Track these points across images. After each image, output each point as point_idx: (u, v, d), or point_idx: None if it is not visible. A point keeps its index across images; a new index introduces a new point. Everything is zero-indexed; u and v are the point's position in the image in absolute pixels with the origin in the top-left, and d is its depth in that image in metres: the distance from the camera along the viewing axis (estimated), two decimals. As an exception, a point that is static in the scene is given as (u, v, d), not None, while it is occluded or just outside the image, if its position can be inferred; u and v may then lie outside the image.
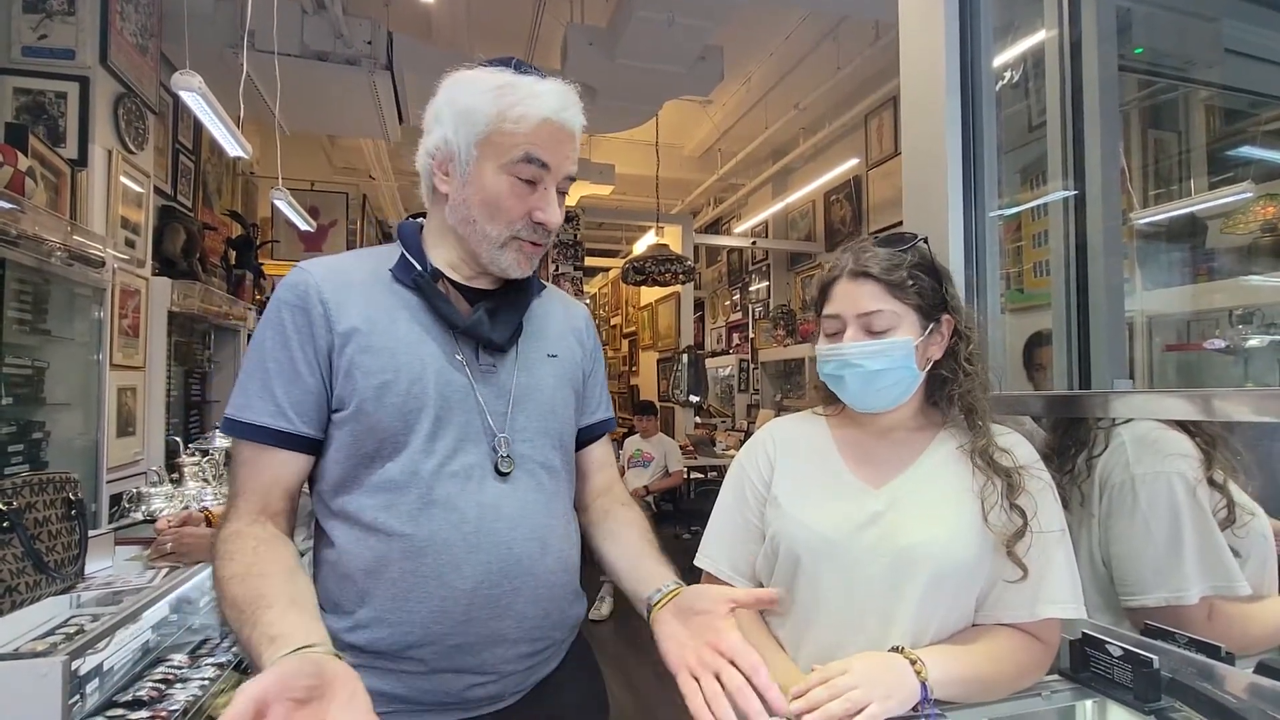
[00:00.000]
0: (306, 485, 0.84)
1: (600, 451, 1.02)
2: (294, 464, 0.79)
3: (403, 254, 0.85)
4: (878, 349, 0.85)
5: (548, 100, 0.79)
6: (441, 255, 0.86)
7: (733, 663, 0.65)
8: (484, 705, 0.79)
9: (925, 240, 0.92)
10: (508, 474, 0.81)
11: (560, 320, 0.96)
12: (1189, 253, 2.02)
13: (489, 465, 0.80)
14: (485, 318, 0.83)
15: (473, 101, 0.79)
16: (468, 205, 0.81)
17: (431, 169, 0.83)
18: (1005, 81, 1.30)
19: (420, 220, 0.91)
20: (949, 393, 0.90)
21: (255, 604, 0.64)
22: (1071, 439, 1.11)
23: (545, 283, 0.98)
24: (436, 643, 0.76)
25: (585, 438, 0.99)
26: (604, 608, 3.94)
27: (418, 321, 0.82)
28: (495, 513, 0.79)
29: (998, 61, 1.25)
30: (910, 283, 0.86)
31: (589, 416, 0.99)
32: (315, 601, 0.69)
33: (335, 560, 0.79)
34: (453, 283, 0.86)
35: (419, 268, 0.84)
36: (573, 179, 0.85)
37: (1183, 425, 1.02)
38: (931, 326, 0.88)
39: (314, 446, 0.80)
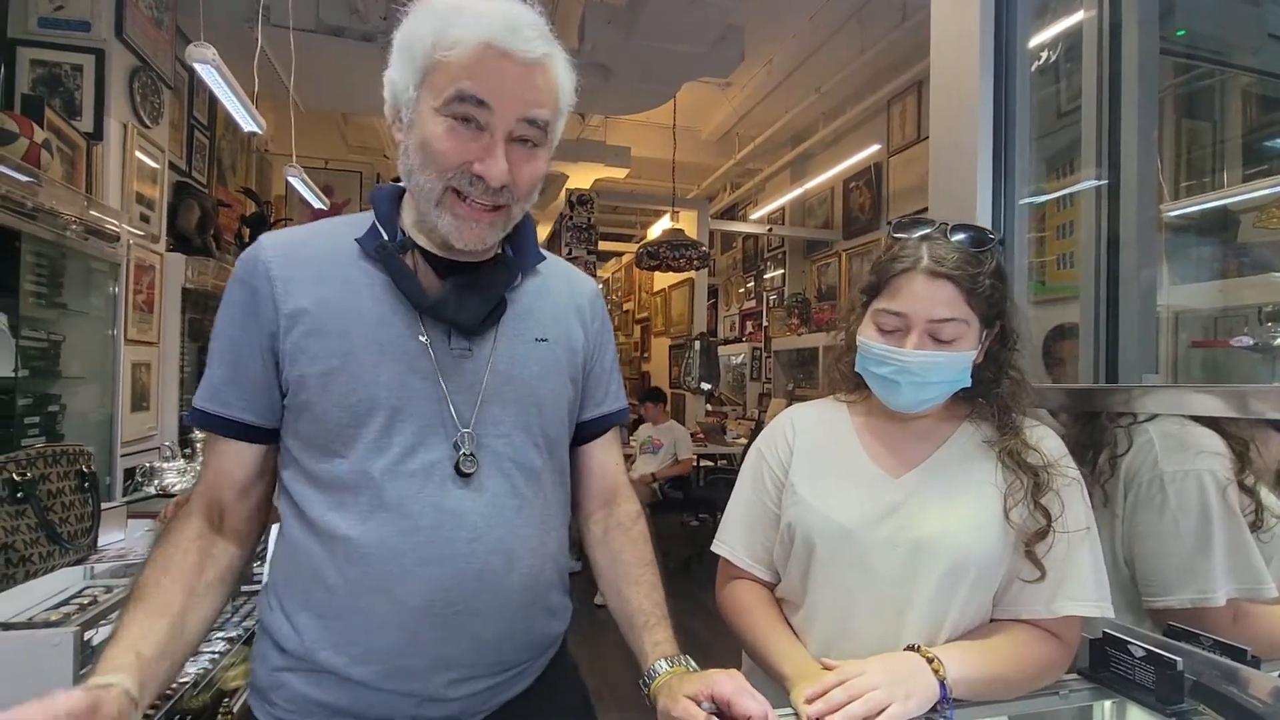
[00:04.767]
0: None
1: (604, 450, 0.90)
2: (239, 453, 0.73)
3: (373, 222, 0.76)
4: (942, 362, 0.81)
5: (489, 21, 0.64)
6: (412, 221, 0.76)
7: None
8: None
9: (1002, 242, 0.87)
10: (470, 474, 0.71)
11: (560, 299, 0.84)
12: (1219, 247, 1.96)
13: (451, 464, 0.71)
14: (452, 295, 0.73)
15: (413, 31, 0.67)
16: (408, 153, 0.70)
17: (391, 119, 0.72)
18: (1039, 62, 1.26)
19: (402, 185, 0.79)
20: (986, 394, 0.86)
21: (123, 610, 0.66)
22: (1093, 436, 1.08)
23: (546, 254, 0.86)
24: (379, 661, 0.69)
25: (589, 433, 0.89)
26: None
27: (381, 300, 0.72)
28: (456, 520, 0.70)
29: (1032, 43, 1.21)
30: (988, 291, 0.81)
31: (594, 408, 0.88)
32: (152, 626, 0.65)
33: (286, 555, 0.73)
34: (429, 255, 0.75)
35: (384, 236, 0.74)
36: (539, 125, 0.69)
37: (1214, 423, 0.98)
38: (986, 333, 0.84)
39: (263, 434, 0.73)
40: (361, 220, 0.78)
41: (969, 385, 0.84)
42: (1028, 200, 1.19)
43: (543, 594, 0.78)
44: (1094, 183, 1.20)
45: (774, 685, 0.82)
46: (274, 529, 0.79)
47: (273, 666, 0.72)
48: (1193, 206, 1.96)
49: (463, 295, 0.73)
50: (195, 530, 0.72)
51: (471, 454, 0.72)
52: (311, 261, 0.73)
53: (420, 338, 0.72)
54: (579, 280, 0.90)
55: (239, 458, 0.74)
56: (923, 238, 0.83)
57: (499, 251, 0.79)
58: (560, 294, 0.85)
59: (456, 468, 0.71)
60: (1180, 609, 0.94)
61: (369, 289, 0.73)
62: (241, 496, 0.75)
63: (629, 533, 0.88)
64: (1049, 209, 1.90)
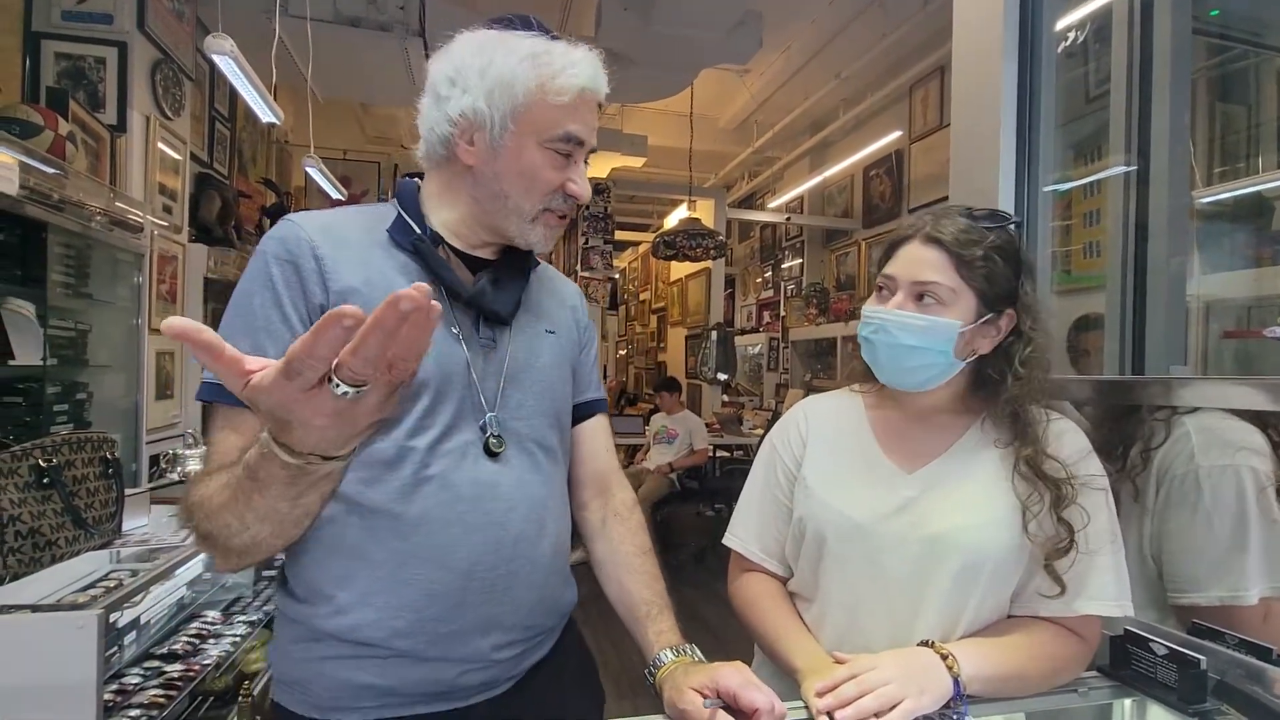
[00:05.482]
0: None
1: (592, 433, 0.95)
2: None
3: (400, 215, 0.80)
4: (917, 324, 0.80)
5: (584, 70, 0.76)
6: (443, 220, 0.81)
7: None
8: (476, 693, 0.76)
9: (1018, 224, 0.85)
10: (499, 454, 0.77)
11: (559, 298, 0.93)
12: (1253, 235, 1.90)
13: (480, 444, 0.77)
14: (489, 287, 0.79)
15: (510, 71, 0.74)
16: (499, 179, 0.77)
17: (452, 136, 0.77)
18: (1067, 43, 1.22)
19: (418, 181, 0.85)
20: (996, 393, 0.84)
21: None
22: (1123, 431, 1.05)
23: (538, 259, 0.93)
24: (426, 629, 0.72)
25: (576, 416, 0.94)
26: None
27: None
28: (493, 492, 0.76)
29: (1059, 25, 1.17)
30: (982, 264, 0.80)
31: (579, 395, 0.94)
32: None
33: (314, 539, 0.72)
34: (453, 249, 0.81)
35: (418, 231, 0.79)
36: (595, 150, 0.83)
37: (1258, 419, 0.95)
38: (989, 317, 0.81)
39: None
40: (384, 212, 0.82)
41: (955, 364, 0.82)
42: (1052, 188, 1.16)
43: (564, 561, 0.85)
44: (1123, 169, 1.17)
45: (785, 679, 0.81)
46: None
47: (310, 656, 0.72)
48: (1226, 193, 1.90)
49: (495, 288, 0.80)
50: None
51: (498, 435, 0.78)
52: (352, 244, 0.76)
53: (453, 328, 0.77)
54: (567, 283, 0.99)
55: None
56: (934, 213, 0.83)
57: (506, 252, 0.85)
58: (557, 294, 0.94)
59: (486, 448, 0.77)
60: (1208, 606, 0.92)
61: (405, 278, 0.76)
62: None
63: (626, 522, 0.92)
64: (1075, 196, 1.85)
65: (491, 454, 0.77)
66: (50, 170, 2.01)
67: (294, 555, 0.75)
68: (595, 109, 0.80)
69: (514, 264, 0.84)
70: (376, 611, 0.71)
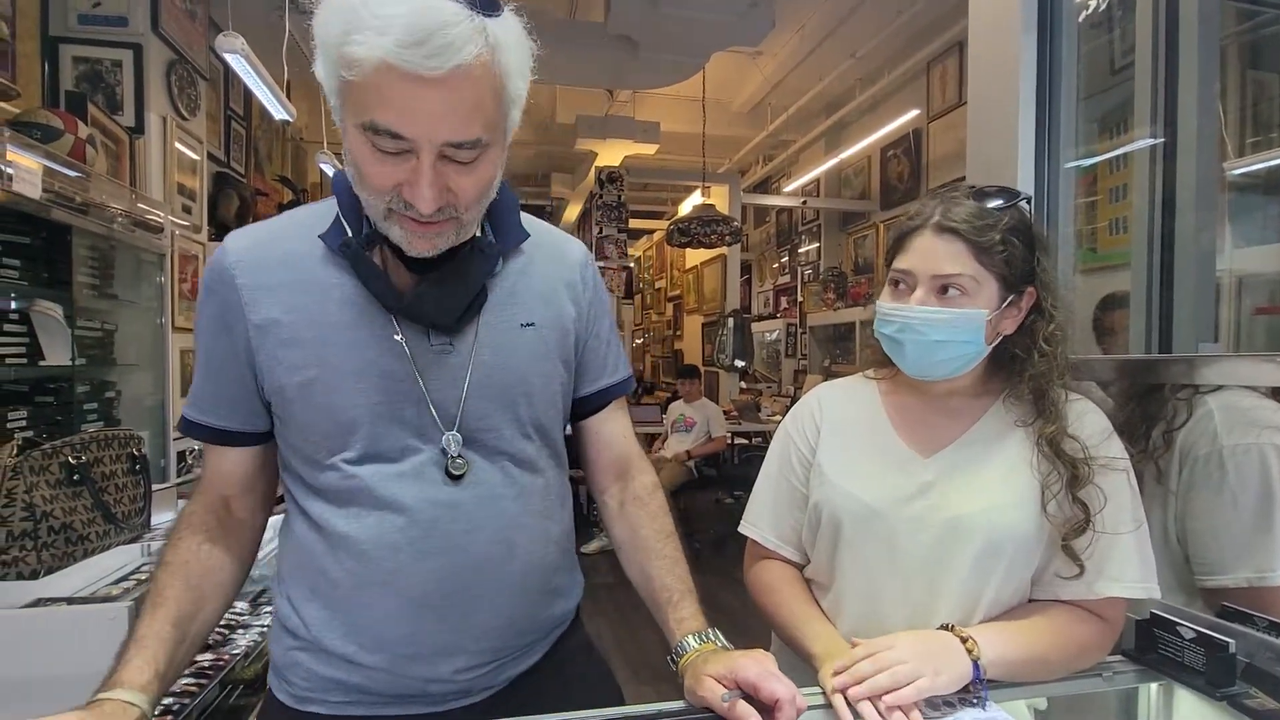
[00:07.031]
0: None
1: (610, 422, 0.87)
2: (230, 456, 0.74)
3: (337, 215, 0.69)
4: (946, 319, 0.78)
5: (389, 36, 0.52)
6: None
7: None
8: (449, 700, 0.73)
9: (1028, 201, 0.82)
10: (460, 476, 0.70)
11: (547, 276, 0.78)
12: (1289, 207, 1.84)
13: (440, 465, 0.70)
14: (427, 293, 0.67)
15: (323, 25, 0.56)
16: (347, 164, 0.63)
17: None
18: (1090, 12, 1.18)
19: None
20: (1019, 372, 0.82)
21: (143, 611, 0.68)
22: (1146, 411, 1.03)
23: (530, 226, 0.79)
24: (386, 649, 0.70)
25: (592, 407, 0.86)
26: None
27: (351, 302, 0.68)
28: (452, 513, 0.70)
29: (1081, -7, 1.13)
30: (1001, 248, 0.77)
31: (592, 383, 0.84)
32: (170, 635, 0.66)
33: (291, 550, 0.74)
34: (395, 249, 0.66)
35: (349, 233, 0.68)
36: (473, 145, 0.59)
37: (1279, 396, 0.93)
38: (1011, 299, 0.80)
39: (252, 438, 0.74)
40: (326, 211, 0.71)
41: (984, 351, 0.80)
42: (1074, 164, 1.13)
43: (546, 578, 0.78)
44: (1149, 141, 1.13)
45: (802, 666, 0.81)
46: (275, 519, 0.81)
47: (287, 647, 0.74)
48: (1258, 164, 1.84)
49: (438, 291, 0.68)
50: (204, 530, 0.73)
51: (459, 455, 0.70)
52: (277, 266, 0.69)
53: (395, 337, 0.68)
54: (568, 250, 0.83)
55: (234, 459, 0.75)
56: (940, 198, 0.81)
57: (477, 234, 0.71)
58: (547, 271, 0.79)
59: (446, 471, 0.70)
60: (1236, 588, 0.90)
61: (338, 290, 0.68)
62: (244, 491, 0.76)
63: (646, 506, 0.86)
64: (1101, 172, 1.80)
65: (452, 477, 0.70)
66: (72, 173, 2.04)
67: (281, 560, 0.76)
68: (434, 91, 0.55)
69: (474, 257, 0.70)
70: (341, 626, 0.70)
